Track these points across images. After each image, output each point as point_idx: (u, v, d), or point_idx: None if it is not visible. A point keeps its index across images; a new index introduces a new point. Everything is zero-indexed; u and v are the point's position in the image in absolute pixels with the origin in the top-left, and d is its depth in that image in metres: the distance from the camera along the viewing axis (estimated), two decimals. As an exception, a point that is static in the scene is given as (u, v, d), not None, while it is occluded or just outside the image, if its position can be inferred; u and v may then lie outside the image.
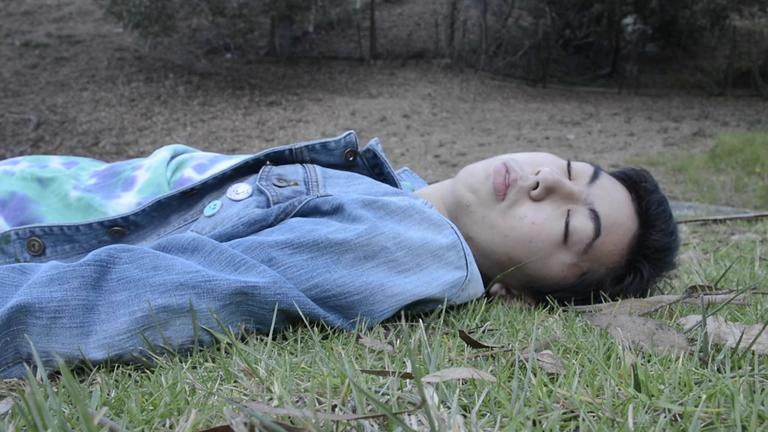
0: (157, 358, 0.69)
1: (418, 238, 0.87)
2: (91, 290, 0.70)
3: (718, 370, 0.60)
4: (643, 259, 1.01)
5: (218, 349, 0.73)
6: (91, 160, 1.11)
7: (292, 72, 13.92)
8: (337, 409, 0.50)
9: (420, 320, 0.81)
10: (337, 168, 1.06)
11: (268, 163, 1.02)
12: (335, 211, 0.87)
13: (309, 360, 0.65)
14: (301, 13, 14.58)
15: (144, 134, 10.40)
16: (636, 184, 1.05)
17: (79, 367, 0.69)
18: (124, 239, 0.94)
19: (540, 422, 0.46)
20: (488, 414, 0.49)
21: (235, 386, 0.58)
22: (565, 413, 0.49)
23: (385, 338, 0.77)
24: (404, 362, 0.62)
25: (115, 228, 0.93)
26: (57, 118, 10.79)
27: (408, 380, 0.55)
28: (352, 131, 1.06)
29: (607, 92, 14.08)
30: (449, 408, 0.49)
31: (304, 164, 1.01)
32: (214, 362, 0.68)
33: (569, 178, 1.01)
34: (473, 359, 0.65)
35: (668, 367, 0.60)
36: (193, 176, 1.02)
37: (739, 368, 0.60)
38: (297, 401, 0.53)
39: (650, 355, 0.64)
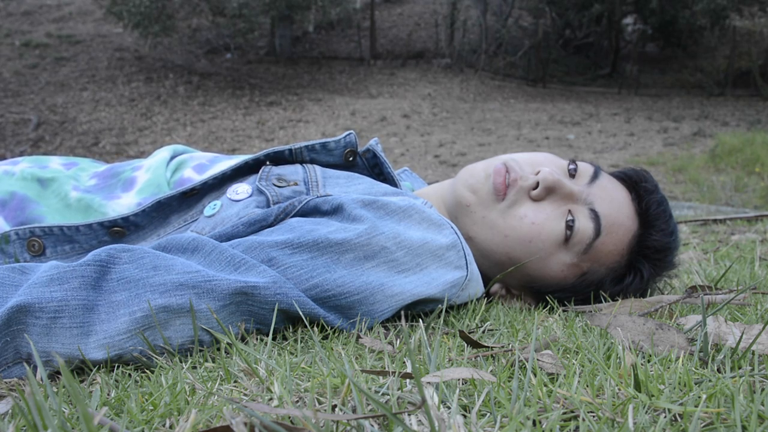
0: (157, 358, 0.69)
1: (418, 237, 0.87)
2: (91, 290, 0.70)
3: (718, 370, 0.60)
4: (643, 259, 1.01)
5: (218, 349, 0.73)
6: (91, 161, 1.11)
7: (292, 72, 13.92)
8: (337, 409, 0.50)
9: (420, 320, 0.81)
10: (337, 168, 1.06)
11: (267, 163, 1.02)
12: (335, 211, 0.87)
13: (309, 360, 0.65)
14: (301, 13, 14.58)
15: (144, 134, 10.40)
16: (636, 184, 1.05)
17: (79, 367, 0.69)
18: (124, 240, 0.94)
19: (540, 422, 0.46)
20: (488, 414, 0.49)
21: (235, 386, 0.58)
22: (565, 413, 0.49)
23: (385, 338, 0.77)
24: (404, 362, 0.62)
25: (115, 228, 0.93)
26: (57, 118, 10.79)
27: (408, 380, 0.55)
28: (351, 131, 1.06)
29: (607, 92, 14.08)
30: (449, 408, 0.49)
31: (304, 164, 1.01)
32: (214, 362, 0.68)
33: (569, 178, 1.01)
34: (473, 359, 0.65)
35: (668, 367, 0.59)
36: (193, 176, 1.02)
37: (739, 368, 0.60)
38: (297, 401, 0.53)
39: (650, 355, 0.64)
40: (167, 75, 12.90)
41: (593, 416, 0.49)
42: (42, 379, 0.49)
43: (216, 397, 0.54)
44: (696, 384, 0.55)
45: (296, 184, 0.95)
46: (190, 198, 0.97)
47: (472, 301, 0.96)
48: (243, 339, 0.77)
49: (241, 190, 0.95)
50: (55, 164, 1.05)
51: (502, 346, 0.69)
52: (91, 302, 0.69)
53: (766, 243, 1.95)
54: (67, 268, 0.70)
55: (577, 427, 0.47)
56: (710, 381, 0.55)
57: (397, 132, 10.10)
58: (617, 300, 0.98)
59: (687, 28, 14.35)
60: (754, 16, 15.30)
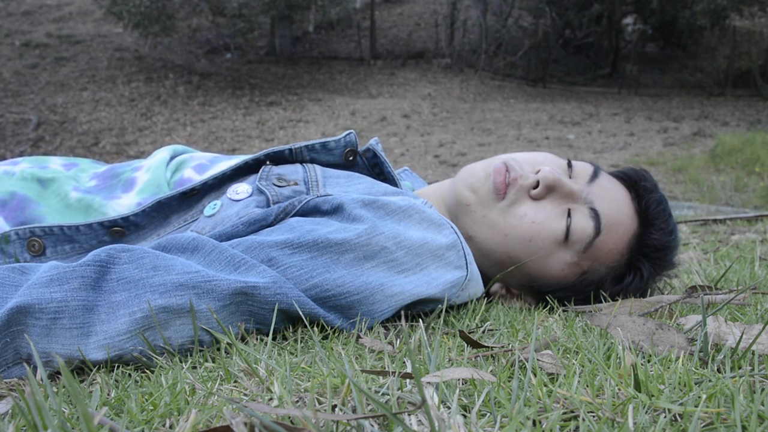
0: (157, 359, 0.69)
1: (418, 237, 0.87)
2: (91, 290, 0.70)
3: (718, 370, 0.60)
4: (643, 258, 1.01)
5: (218, 349, 0.73)
6: (91, 161, 1.11)
7: (292, 72, 13.92)
8: (337, 409, 0.50)
9: (420, 320, 0.81)
10: (337, 167, 1.06)
11: (267, 163, 1.02)
12: (335, 210, 0.87)
13: (309, 360, 0.65)
14: (301, 13, 14.58)
15: (144, 134, 10.40)
16: (635, 183, 1.05)
17: (79, 367, 0.69)
18: (124, 239, 0.94)
19: (540, 422, 0.46)
20: (488, 414, 0.49)
21: (235, 386, 0.58)
22: (565, 413, 0.49)
23: (385, 338, 0.77)
24: (404, 362, 0.62)
25: (115, 228, 0.93)
26: (57, 118, 10.79)
27: (408, 380, 0.55)
28: (351, 131, 1.06)
29: (607, 92, 14.08)
30: (449, 408, 0.49)
31: (304, 164, 1.01)
32: (214, 362, 0.68)
33: (569, 177, 1.01)
34: (473, 359, 0.65)
35: (668, 367, 0.59)
36: (193, 176, 1.02)
37: (739, 368, 0.60)
38: (297, 401, 0.53)
39: (650, 355, 0.64)
40: (167, 75, 12.90)
41: (593, 416, 0.49)
42: (42, 379, 0.49)
43: (216, 397, 0.54)
44: (696, 384, 0.55)
45: (296, 183, 0.95)
46: (190, 198, 0.97)
47: (472, 301, 0.96)
48: (243, 339, 0.77)
49: (241, 189, 0.95)
50: (55, 165, 1.05)
51: (502, 346, 0.69)
52: (91, 303, 0.69)
53: (766, 243, 1.95)
54: (67, 269, 0.70)
55: (577, 427, 0.47)
56: (710, 381, 0.55)
57: (397, 132, 10.10)
58: (617, 300, 0.98)
59: (687, 28, 14.34)
60: (754, 16, 15.30)
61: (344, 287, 0.80)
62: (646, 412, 0.48)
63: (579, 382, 0.54)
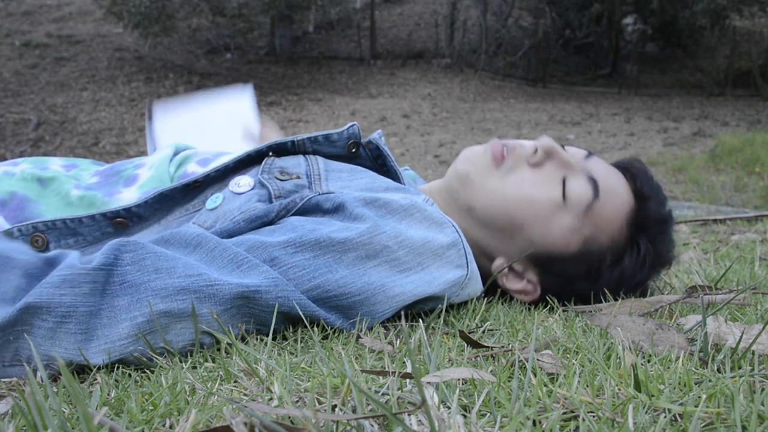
0: (157, 359, 0.69)
1: (420, 237, 0.87)
2: (98, 296, 0.69)
3: (718, 370, 0.60)
4: (642, 233, 1.02)
5: (218, 350, 0.73)
6: (92, 162, 1.12)
7: (292, 72, 13.92)
8: (337, 409, 0.50)
9: (420, 320, 0.81)
10: (341, 159, 1.06)
11: (270, 154, 1.02)
12: (336, 209, 0.87)
13: (309, 360, 0.65)
14: (301, 13, 14.57)
15: (144, 134, 10.38)
16: (627, 168, 1.08)
17: (79, 367, 0.69)
18: (128, 231, 0.94)
19: (540, 422, 0.46)
20: (488, 414, 0.49)
21: (235, 386, 0.58)
22: (565, 413, 0.49)
23: (385, 338, 0.77)
24: (404, 362, 0.62)
25: (118, 219, 0.93)
26: (57, 118, 10.79)
27: (408, 380, 0.55)
28: (355, 123, 1.07)
29: (607, 92, 14.08)
30: (449, 408, 0.49)
31: (307, 156, 1.02)
32: (214, 362, 0.68)
33: None
34: (473, 359, 0.65)
35: (668, 367, 0.60)
36: (196, 170, 1.03)
37: (739, 368, 0.60)
38: (297, 401, 0.53)
39: (650, 355, 0.64)
40: (167, 75, 12.90)
41: (593, 416, 0.49)
42: (42, 380, 0.49)
43: (216, 397, 0.54)
44: (696, 384, 0.55)
45: (298, 177, 0.95)
46: (194, 190, 0.97)
47: (472, 301, 0.96)
48: (243, 339, 0.77)
49: (243, 182, 0.95)
50: (55, 165, 1.06)
51: (502, 346, 0.69)
52: (96, 307, 0.69)
53: (766, 243, 1.95)
54: (81, 271, 0.69)
55: (577, 427, 0.47)
56: (710, 381, 0.55)
57: (397, 132, 10.10)
58: (617, 300, 0.98)
59: (687, 28, 14.35)
60: (754, 16, 15.30)
61: (346, 288, 0.80)
62: (646, 412, 0.48)
63: (579, 382, 0.54)
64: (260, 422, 0.42)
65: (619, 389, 0.53)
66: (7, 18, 14.73)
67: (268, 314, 0.76)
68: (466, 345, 0.71)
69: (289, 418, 0.46)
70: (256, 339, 0.76)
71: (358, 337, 0.76)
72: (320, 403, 0.52)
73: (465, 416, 0.49)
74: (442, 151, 8.70)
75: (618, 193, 1.01)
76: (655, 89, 14.19)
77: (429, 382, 0.52)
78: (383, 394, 0.53)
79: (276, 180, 0.94)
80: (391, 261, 0.84)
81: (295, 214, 0.88)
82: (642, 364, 0.60)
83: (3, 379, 0.66)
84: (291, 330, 0.80)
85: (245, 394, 0.56)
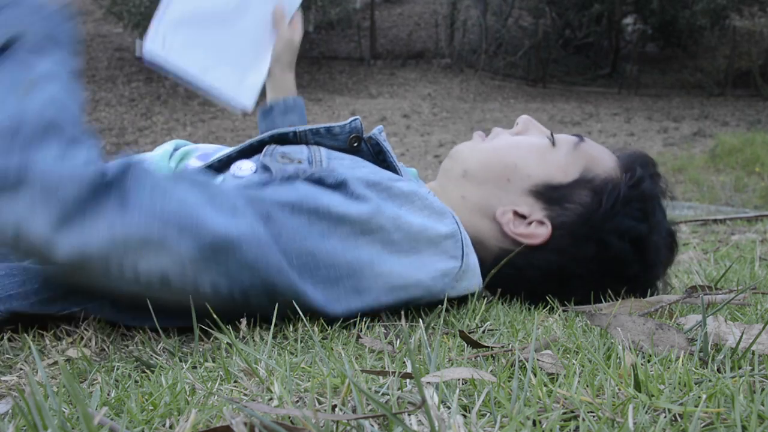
0: (157, 358, 0.69)
1: (418, 223, 0.87)
2: (91, 196, 0.68)
3: (718, 370, 0.60)
4: (636, 167, 1.03)
5: (218, 349, 0.73)
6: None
7: (292, 72, 13.89)
8: (337, 409, 0.50)
9: (420, 320, 0.81)
10: (342, 152, 1.06)
11: (272, 144, 1.03)
12: (339, 186, 0.86)
13: (309, 360, 0.65)
14: (301, 13, 14.55)
15: (144, 134, 10.40)
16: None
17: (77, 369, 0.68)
18: None
19: (540, 422, 0.46)
20: (488, 414, 0.49)
21: (235, 386, 0.58)
22: (565, 413, 0.49)
23: (385, 338, 0.77)
24: (404, 362, 0.62)
25: None
26: (57, 118, 10.78)
27: (408, 380, 0.55)
28: (357, 117, 1.07)
29: (607, 92, 14.08)
30: (449, 408, 0.49)
31: (309, 145, 1.02)
32: (214, 362, 0.68)
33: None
34: (473, 359, 0.65)
35: (668, 367, 0.60)
36: (197, 164, 1.03)
37: (739, 368, 0.60)
38: (297, 401, 0.53)
39: (650, 355, 0.64)
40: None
41: (593, 416, 0.49)
42: (42, 379, 0.49)
43: (216, 397, 0.54)
44: (696, 384, 0.55)
45: (300, 162, 0.95)
46: None
47: (472, 300, 0.96)
48: (243, 339, 0.77)
49: (245, 167, 0.95)
50: None
51: (502, 346, 0.69)
52: (84, 204, 0.67)
53: (766, 243, 1.95)
54: (88, 169, 0.68)
55: (577, 427, 0.47)
56: (710, 381, 0.55)
57: (397, 132, 10.10)
58: (617, 300, 0.98)
59: (687, 28, 14.35)
60: (754, 16, 15.30)
61: (335, 258, 0.80)
62: (646, 412, 0.48)
63: (579, 382, 0.54)
64: (260, 422, 0.42)
65: (619, 389, 0.53)
66: (7, 18, 14.71)
67: (244, 275, 0.75)
68: (466, 345, 0.71)
69: (289, 418, 0.46)
70: (256, 338, 0.76)
71: (358, 337, 0.76)
72: (320, 403, 0.52)
73: (465, 416, 0.49)
74: (442, 151, 8.70)
75: (605, 156, 1.05)
76: (655, 89, 14.19)
77: (429, 382, 0.52)
78: (383, 394, 0.53)
79: (278, 163, 0.94)
80: (385, 241, 0.84)
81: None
82: (642, 364, 0.60)
83: (3, 379, 0.66)
84: (291, 329, 0.80)
85: (245, 394, 0.56)
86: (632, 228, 0.98)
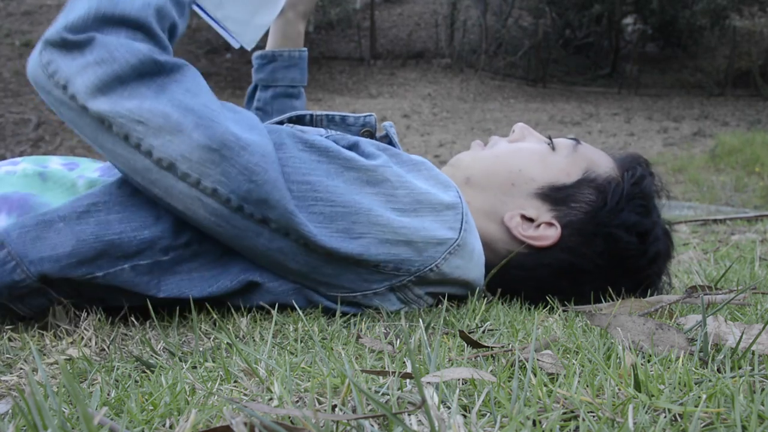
0: (157, 358, 0.69)
1: (422, 187, 0.89)
2: (137, 77, 0.79)
3: (718, 370, 0.60)
4: (635, 166, 1.04)
5: (218, 349, 0.73)
6: (91, 160, 1.11)
7: (292, 72, 13.89)
8: (337, 409, 0.50)
9: (420, 320, 0.81)
10: None
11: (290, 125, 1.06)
12: (352, 147, 0.91)
13: (309, 360, 0.65)
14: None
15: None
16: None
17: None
18: None
19: (540, 422, 0.46)
20: (488, 414, 0.49)
21: (235, 386, 0.58)
22: (565, 413, 0.49)
23: (385, 338, 0.77)
24: (404, 362, 0.62)
25: None
26: (57, 118, 10.78)
27: (408, 380, 0.55)
28: (372, 114, 1.11)
29: (607, 92, 14.08)
30: (449, 408, 0.49)
31: (326, 129, 1.05)
32: (214, 362, 0.68)
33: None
34: (473, 359, 0.65)
35: (668, 367, 0.60)
36: None
37: (739, 368, 0.60)
38: (297, 401, 0.53)
39: (650, 355, 0.64)
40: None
41: (593, 416, 0.49)
42: (42, 379, 0.49)
43: (216, 397, 0.54)
44: (696, 384, 0.55)
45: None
46: None
47: (472, 300, 0.96)
48: (243, 338, 0.77)
49: None
50: (55, 164, 1.05)
51: (502, 346, 0.69)
52: (134, 71, 0.79)
53: (766, 243, 1.95)
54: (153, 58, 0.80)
55: (577, 427, 0.47)
56: (710, 381, 0.55)
57: (397, 132, 10.09)
58: (617, 300, 0.98)
59: (687, 28, 14.35)
60: (754, 16, 15.30)
61: (335, 195, 0.83)
62: (646, 412, 0.48)
63: (579, 382, 0.54)
64: (260, 422, 0.42)
65: (619, 389, 0.53)
66: (7, 18, 14.73)
67: (242, 181, 0.79)
68: (466, 345, 0.71)
69: (289, 418, 0.46)
70: (256, 338, 0.76)
71: (358, 337, 0.76)
72: (320, 403, 0.52)
73: (465, 416, 0.49)
74: (442, 151, 8.70)
75: (600, 150, 1.08)
76: (655, 89, 14.19)
77: (429, 382, 0.52)
78: (383, 394, 0.53)
79: None
80: (389, 195, 0.86)
81: None
82: (642, 364, 0.60)
83: (3, 379, 0.66)
84: (292, 328, 0.80)
85: (245, 394, 0.56)
86: (638, 222, 1.00)
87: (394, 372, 0.54)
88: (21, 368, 0.70)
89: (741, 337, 0.64)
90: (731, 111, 11.81)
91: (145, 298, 0.87)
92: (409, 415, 0.47)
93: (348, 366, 0.60)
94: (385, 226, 0.85)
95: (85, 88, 0.78)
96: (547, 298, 1.02)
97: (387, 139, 1.09)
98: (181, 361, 0.70)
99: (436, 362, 0.59)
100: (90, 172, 1.05)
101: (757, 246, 1.74)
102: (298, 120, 1.07)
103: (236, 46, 1.19)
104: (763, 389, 0.52)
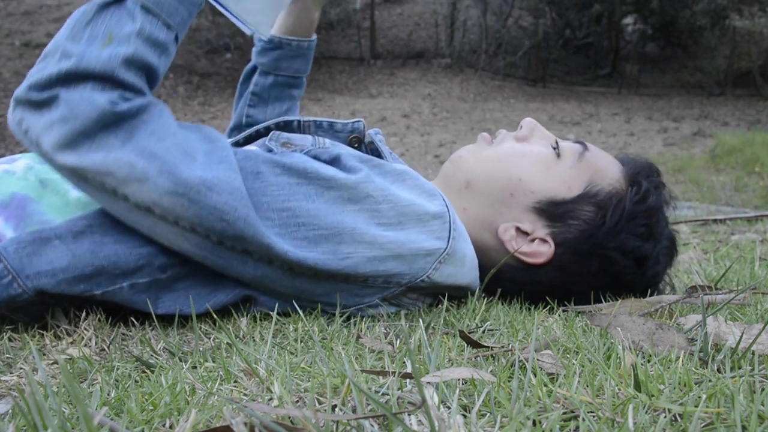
0: (157, 358, 0.69)
1: (407, 198, 0.87)
2: (99, 128, 0.78)
3: (718, 370, 0.60)
4: (641, 178, 1.02)
5: (218, 349, 0.73)
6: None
7: (292, 72, 13.88)
8: (337, 409, 0.50)
9: (420, 320, 0.81)
10: None
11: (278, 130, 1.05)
12: (333, 161, 0.90)
13: (309, 360, 0.65)
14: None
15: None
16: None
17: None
18: None
19: (540, 422, 0.46)
20: (488, 414, 0.49)
21: (235, 386, 0.58)
22: (565, 413, 0.49)
23: (385, 338, 0.77)
24: (404, 362, 0.62)
25: None
26: (57, 118, 10.78)
27: (408, 380, 0.55)
28: (361, 120, 1.08)
29: (607, 92, 14.08)
30: (449, 408, 0.49)
31: (314, 136, 1.04)
32: (214, 362, 0.68)
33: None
34: (473, 359, 0.65)
35: (668, 367, 0.60)
36: None
37: (739, 368, 0.60)
38: (297, 401, 0.53)
39: (650, 355, 0.64)
40: (167, 75, 12.88)
41: (593, 416, 0.49)
42: (42, 379, 0.49)
43: (216, 397, 0.54)
44: (696, 384, 0.55)
45: (303, 148, 0.97)
46: None
47: (472, 300, 0.96)
48: (243, 338, 0.77)
49: None
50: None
51: (502, 346, 0.69)
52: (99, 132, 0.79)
53: (766, 243, 1.95)
54: (115, 109, 0.79)
55: (577, 427, 0.47)
56: (710, 381, 0.55)
57: (397, 132, 10.10)
58: (617, 300, 0.98)
59: (687, 28, 14.35)
60: (754, 16, 15.30)
61: (317, 219, 0.82)
62: (646, 412, 0.48)
63: (579, 382, 0.54)
64: (260, 422, 0.42)
65: (619, 389, 0.53)
66: (7, 18, 14.73)
67: (214, 217, 0.78)
68: (466, 345, 0.71)
69: (289, 418, 0.46)
70: (257, 337, 0.76)
71: (358, 337, 0.76)
72: (320, 403, 0.52)
73: (465, 416, 0.49)
74: (442, 151, 8.70)
75: (609, 162, 1.04)
76: (655, 89, 14.19)
77: (429, 382, 0.52)
78: (383, 394, 0.53)
79: (282, 148, 0.97)
80: (372, 211, 0.84)
81: None
82: (642, 364, 0.60)
83: (3, 379, 0.66)
84: (291, 328, 0.80)
85: (245, 394, 0.56)
86: (637, 248, 0.98)
87: (394, 372, 0.54)
88: (21, 368, 0.70)
89: (741, 337, 0.64)
90: (731, 111, 11.81)
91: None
92: (409, 415, 0.47)
93: (348, 366, 0.60)
94: (371, 243, 0.84)
95: (52, 146, 0.79)
96: (547, 298, 1.02)
97: (376, 152, 1.07)
98: (181, 361, 0.70)
99: (436, 362, 0.59)
100: None
101: (757, 246, 1.74)
102: (286, 126, 1.05)
103: (249, 33, 1.17)
104: (763, 389, 0.52)
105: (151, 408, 0.52)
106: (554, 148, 1.02)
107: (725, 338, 0.67)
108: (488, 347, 0.69)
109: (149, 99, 0.83)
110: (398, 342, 0.75)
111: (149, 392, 0.57)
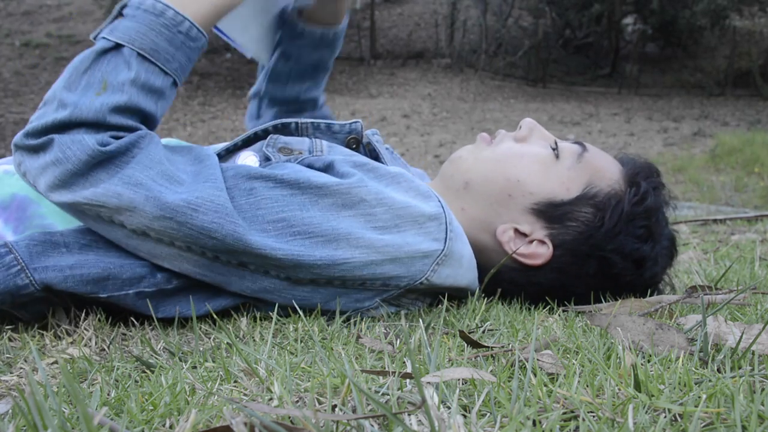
0: (157, 358, 0.69)
1: (402, 200, 0.87)
2: (87, 168, 0.81)
3: (718, 370, 0.60)
4: (641, 179, 1.01)
5: (218, 349, 0.73)
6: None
7: (292, 72, 13.87)
8: (337, 409, 0.50)
9: (420, 320, 0.81)
10: None
11: (275, 133, 1.05)
12: (326, 168, 0.91)
13: (309, 360, 0.65)
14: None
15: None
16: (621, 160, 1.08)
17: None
18: None
19: (540, 422, 0.46)
20: (488, 414, 0.49)
21: (235, 386, 0.58)
22: (565, 413, 0.49)
23: (385, 338, 0.77)
24: (404, 362, 0.62)
25: None
26: (57, 118, 10.78)
27: (408, 380, 0.55)
28: (358, 120, 1.09)
29: (607, 92, 14.07)
30: (449, 408, 0.49)
31: (312, 138, 1.03)
32: (214, 362, 0.68)
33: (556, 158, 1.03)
34: (473, 359, 0.65)
35: (668, 367, 0.60)
36: None
37: (739, 368, 0.60)
38: (297, 401, 0.53)
39: (650, 355, 0.64)
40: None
41: (593, 416, 0.49)
42: (42, 379, 0.49)
43: (216, 397, 0.54)
44: (696, 384, 0.55)
45: (301, 153, 0.97)
46: None
47: (472, 300, 0.96)
48: (244, 338, 0.77)
49: (249, 161, 0.97)
50: None
51: (502, 346, 0.69)
52: (86, 168, 0.82)
53: (766, 243, 1.95)
54: (101, 149, 0.81)
55: (577, 427, 0.47)
56: (710, 381, 0.55)
57: (397, 132, 10.09)
58: (617, 300, 0.98)
59: (687, 28, 14.33)
60: (754, 16, 15.29)
61: (312, 226, 0.82)
62: (646, 412, 0.48)
63: (579, 382, 0.54)
64: (260, 422, 0.42)
65: (619, 389, 0.53)
66: (7, 18, 14.72)
67: (204, 236, 0.80)
68: (466, 345, 0.71)
69: (289, 418, 0.46)
70: (257, 337, 0.76)
71: (358, 337, 0.76)
72: (320, 403, 0.52)
73: (465, 416, 0.49)
74: (442, 151, 8.70)
75: (608, 163, 1.03)
76: (655, 89, 14.19)
77: (429, 382, 0.52)
78: (383, 394, 0.53)
79: (279, 154, 0.97)
80: (367, 215, 0.84)
81: None
82: (642, 364, 0.60)
83: (3, 379, 0.66)
84: (291, 328, 0.80)
85: (245, 394, 0.56)
86: (635, 249, 0.97)
87: (394, 372, 0.54)
88: (21, 368, 0.70)
89: (741, 337, 0.64)
90: (731, 111, 11.81)
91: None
92: (409, 415, 0.47)
93: (348, 366, 0.60)
94: (367, 248, 0.84)
95: (46, 188, 0.84)
96: (547, 298, 1.02)
97: (374, 153, 1.07)
98: (181, 361, 0.70)
99: (436, 362, 0.59)
100: None
101: (757, 246, 1.74)
102: (284, 128, 1.05)
103: (249, 57, 1.23)
104: (763, 389, 0.52)
105: (151, 408, 0.52)
106: (553, 149, 1.01)
107: (725, 338, 0.67)
108: (488, 347, 0.69)
109: (140, 133, 0.85)
110: (398, 342, 0.75)
111: (149, 392, 0.57)
